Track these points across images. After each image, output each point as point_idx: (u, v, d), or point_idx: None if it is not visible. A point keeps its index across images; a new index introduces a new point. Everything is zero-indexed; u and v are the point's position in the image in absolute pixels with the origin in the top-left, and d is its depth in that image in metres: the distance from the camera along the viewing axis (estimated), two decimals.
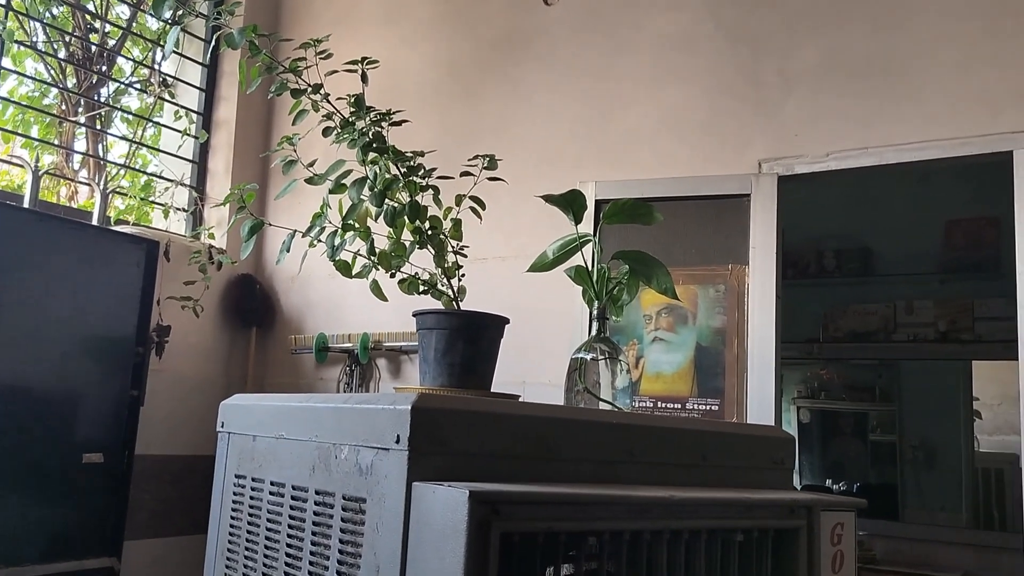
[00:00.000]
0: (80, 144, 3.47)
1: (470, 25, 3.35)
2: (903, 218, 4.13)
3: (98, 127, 3.48)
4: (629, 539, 0.96)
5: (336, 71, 1.49)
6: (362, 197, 1.37)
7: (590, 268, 1.39)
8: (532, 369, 2.74)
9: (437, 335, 1.31)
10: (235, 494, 1.29)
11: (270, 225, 1.58)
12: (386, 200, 1.38)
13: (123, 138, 3.60)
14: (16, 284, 2.47)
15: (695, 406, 2.44)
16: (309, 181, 1.47)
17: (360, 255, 1.47)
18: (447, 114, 3.29)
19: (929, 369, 4.19)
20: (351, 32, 3.61)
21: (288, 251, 1.46)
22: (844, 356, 4.37)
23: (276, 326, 3.62)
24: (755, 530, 1.09)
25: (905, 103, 2.42)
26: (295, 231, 1.48)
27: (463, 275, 1.48)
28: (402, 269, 1.46)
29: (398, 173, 1.41)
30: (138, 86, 3.68)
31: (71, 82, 3.42)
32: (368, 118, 1.42)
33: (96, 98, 3.47)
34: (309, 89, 1.47)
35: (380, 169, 1.37)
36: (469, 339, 1.32)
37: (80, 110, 3.43)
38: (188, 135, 3.67)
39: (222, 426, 1.36)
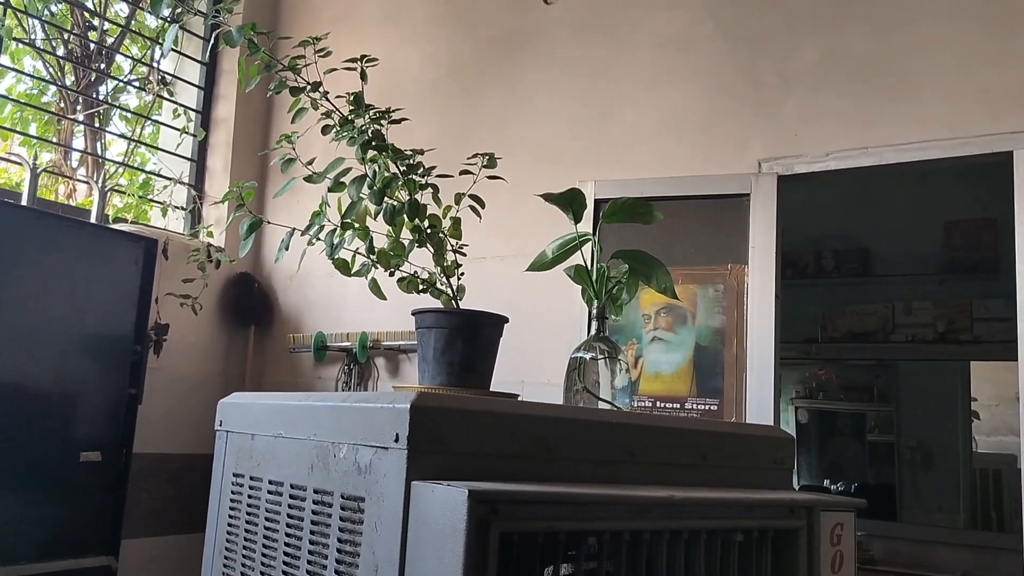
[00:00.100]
0: (78, 142, 3.46)
1: (469, 24, 3.35)
2: (902, 219, 4.13)
3: (96, 125, 3.47)
4: (629, 539, 0.96)
5: (335, 69, 1.49)
6: (361, 195, 1.37)
7: (589, 267, 1.39)
8: (531, 368, 2.74)
9: (436, 334, 1.31)
10: (233, 493, 1.29)
11: (269, 223, 1.58)
12: (385, 198, 1.38)
13: (122, 136, 3.60)
14: (14, 282, 2.47)
15: (694, 406, 2.44)
16: (308, 179, 1.46)
17: (359, 254, 1.46)
18: (446, 113, 3.29)
19: (927, 370, 4.19)
20: (350, 31, 3.61)
21: (287, 249, 1.46)
22: (842, 356, 4.37)
23: (274, 325, 3.61)
24: (755, 530, 1.08)
25: (905, 103, 2.42)
26: (294, 229, 1.48)
27: (462, 274, 1.47)
28: (401, 268, 1.46)
29: (397, 171, 1.41)
30: (137, 84, 3.68)
31: (70, 80, 3.41)
32: (367, 116, 1.42)
33: (95, 96, 3.47)
34: (308, 87, 1.46)
35: (379, 167, 1.37)
36: (468, 338, 1.32)
37: (78, 108, 3.42)
38: (187, 133, 3.67)
39: (220, 424, 1.35)
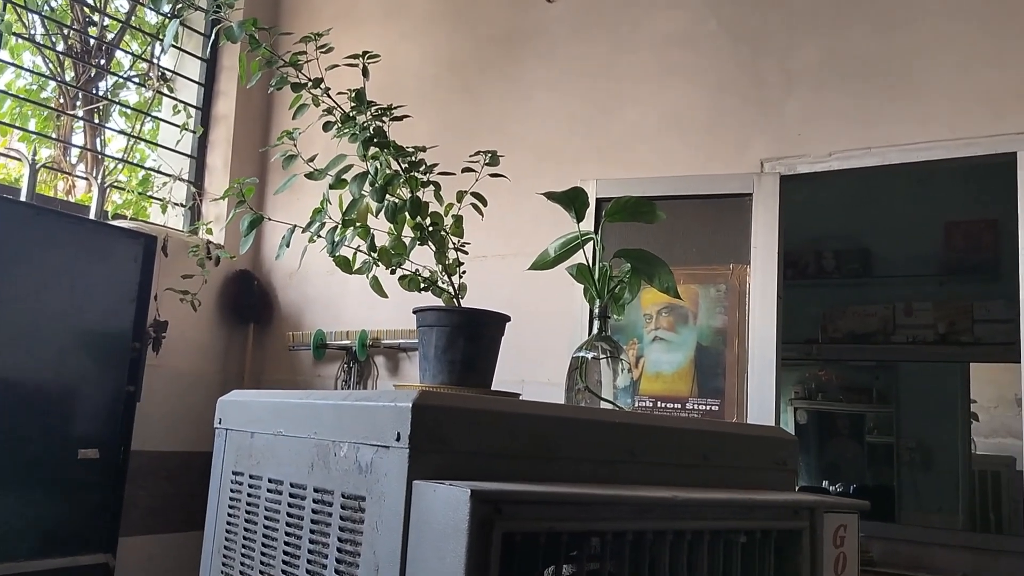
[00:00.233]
0: (78, 138, 3.45)
1: (470, 22, 3.34)
2: (902, 219, 4.13)
3: (96, 121, 3.46)
4: (632, 540, 0.95)
5: (337, 65, 1.48)
6: (363, 192, 1.36)
7: (592, 266, 1.38)
8: (531, 368, 2.73)
9: (438, 332, 1.30)
10: (232, 491, 1.28)
11: (269, 220, 1.57)
12: (387, 196, 1.37)
13: (121, 132, 3.58)
14: (13, 278, 2.46)
15: (695, 406, 2.43)
16: (309, 176, 1.45)
17: (360, 251, 1.46)
18: (447, 111, 3.28)
19: (926, 371, 4.19)
20: (350, 28, 3.60)
21: (288, 246, 1.45)
22: (843, 357, 4.36)
23: (274, 322, 3.60)
24: (758, 531, 1.08)
25: (908, 103, 2.41)
26: (295, 226, 1.47)
27: (464, 272, 1.47)
28: (402, 266, 1.45)
29: (399, 169, 1.40)
30: (136, 80, 3.67)
31: (69, 75, 3.40)
32: (369, 112, 1.41)
33: (94, 92, 3.46)
34: (310, 83, 1.46)
35: (381, 164, 1.36)
36: (470, 337, 1.31)
37: (78, 104, 3.41)
38: (186, 130, 3.66)
39: (220, 422, 1.34)
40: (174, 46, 3.62)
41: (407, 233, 1.43)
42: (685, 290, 2.50)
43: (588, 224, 1.41)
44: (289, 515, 1.11)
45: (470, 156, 1.50)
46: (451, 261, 1.43)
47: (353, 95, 1.42)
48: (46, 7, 3.40)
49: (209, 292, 3.40)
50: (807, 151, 2.52)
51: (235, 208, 1.48)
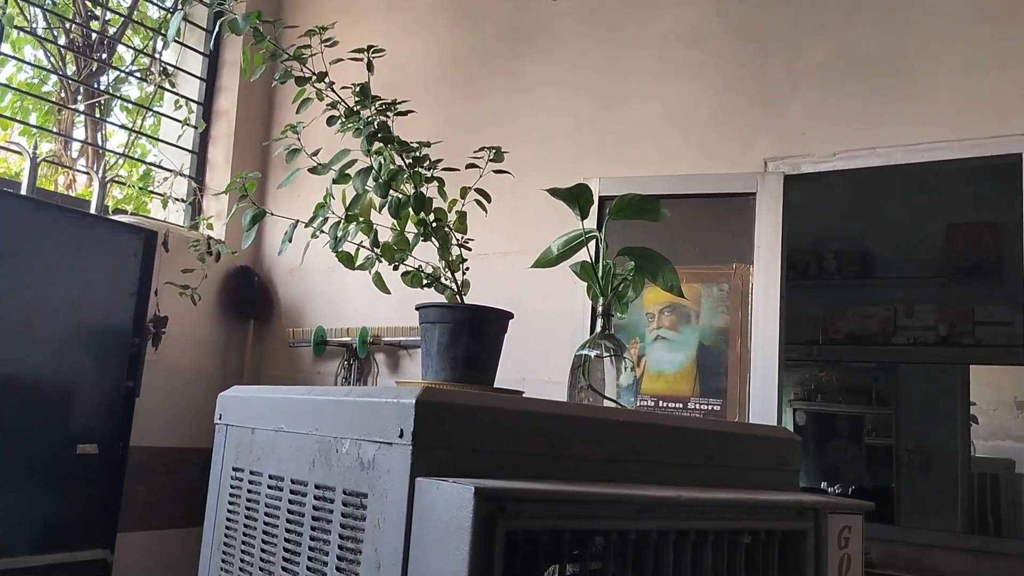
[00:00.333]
0: (79, 132, 3.44)
1: (474, 17, 3.33)
2: (904, 221, 4.12)
3: (97, 115, 3.45)
4: (635, 539, 0.94)
5: (341, 59, 1.47)
6: (366, 188, 1.35)
7: (595, 264, 1.37)
8: (532, 366, 2.72)
9: (441, 329, 1.29)
10: (232, 487, 1.27)
11: (272, 215, 1.56)
12: (391, 191, 1.36)
13: (122, 127, 3.57)
14: (12, 272, 2.45)
15: (697, 406, 2.42)
16: (313, 170, 1.45)
17: (363, 247, 1.45)
18: (449, 107, 3.27)
19: (926, 373, 4.18)
20: (353, 21, 3.59)
21: (290, 241, 1.44)
22: (843, 359, 4.36)
23: (274, 319, 3.60)
24: (762, 532, 1.07)
25: (913, 104, 2.40)
26: (297, 221, 1.46)
27: (467, 269, 1.46)
28: (405, 262, 1.44)
29: (403, 164, 1.39)
30: (138, 75, 3.65)
31: (71, 69, 3.39)
32: (373, 107, 1.40)
33: (96, 86, 3.45)
34: (314, 77, 1.45)
35: (385, 160, 1.35)
36: (473, 333, 1.30)
37: (79, 98, 3.40)
38: (188, 125, 3.65)
39: (220, 418, 1.34)
40: (176, 41, 3.61)
41: (410, 229, 1.42)
42: (688, 289, 2.48)
43: (591, 223, 1.41)
44: (290, 512, 1.10)
45: (474, 152, 1.49)
46: (454, 257, 1.42)
47: (357, 89, 1.41)
48: (48, 1, 3.39)
49: (209, 288, 3.40)
50: (811, 151, 2.51)
51: (237, 203, 1.48)
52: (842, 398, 4.47)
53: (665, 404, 2.48)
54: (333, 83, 1.45)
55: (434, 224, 1.40)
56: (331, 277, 3.37)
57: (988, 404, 4.07)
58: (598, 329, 1.37)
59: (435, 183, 1.43)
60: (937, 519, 4.04)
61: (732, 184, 2.54)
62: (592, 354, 1.33)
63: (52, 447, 2.53)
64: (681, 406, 2.45)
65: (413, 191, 1.38)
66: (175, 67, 3.68)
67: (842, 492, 4.16)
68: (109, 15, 3.48)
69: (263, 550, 1.16)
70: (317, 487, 1.05)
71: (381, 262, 1.44)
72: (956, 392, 4.05)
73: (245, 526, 1.21)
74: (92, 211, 3.10)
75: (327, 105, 1.44)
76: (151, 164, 3.62)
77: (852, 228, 4.28)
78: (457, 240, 1.44)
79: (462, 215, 1.46)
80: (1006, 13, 2.33)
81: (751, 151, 2.61)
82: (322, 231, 1.41)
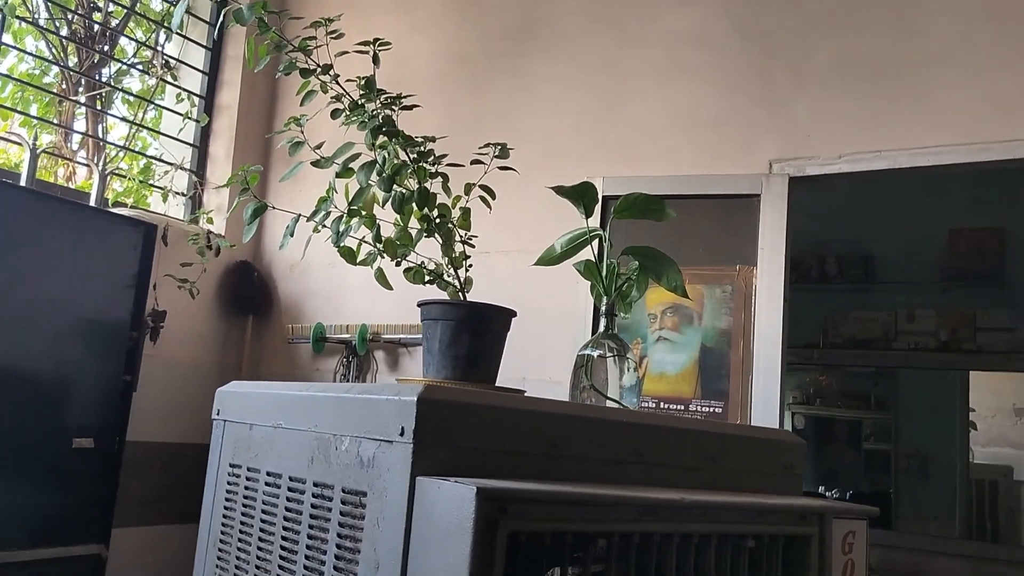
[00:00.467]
0: (80, 124, 3.42)
1: (479, 14, 3.32)
2: (906, 225, 4.12)
3: (98, 107, 3.43)
4: (638, 542, 0.93)
5: (347, 52, 1.46)
6: (370, 182, 1.33)
7: (599, 263, 1.36)
8: (533, 365, 2.71)
9: (443, 326, 1.28)
10: (229, 484, 1.25)
11: (274, 208, 1.54)
12: (394, 186, 1.35)
13: (123, 119, 3.56)
14: (10, 263, 2.43)
15: (698, 408, 2.41)
16: (316, 164, 1.43)
17: (365, 242, 1.43)
18: (454, 103, 3.26)
19: (926, 378, 4.17)
20: (358, 17, 3.57)
21: (292, 236, 1.43)
22: (844, 363, 4.35)
23: (273, 314, 3.58)
24: (766, 536, 1.06)
25: (919, 107, 2.39)
26: (299, 215, 1.45)
27: (470, 266, 1.44)
28: (408, 258, 1.42)
29: (407, 159, 1.37)
30: (140, 68, 3.64)
31: (72, 61, 3.37)
32: (378, 101, 1.38)
33: (97, 78, 3.43)
34: (318, 69, 1.43)
35: (389, 154, 1.34)
36: (475, 331, 1.29)
37: (81, 89, 3.38)
38: (189, 119, 3.63)
39: (218, 413, 1.32)
40: (179, 34, 3.59)
41: (413, 224, 1.41)
42: (690, 290, 2.47)
43: (593, 221, 1.39)
44: (288, 509, 1.09)
45: (480, 148, 1.47)
46: (457, 254, 1.41)
47: (363, 83, 1.40)
48: None
49: (209, 283, 3.38)
50: (816, 153, 2.49)
51: (239, 196, 1.46)
52: (841, 402, 4.46)
53: (666, 405, 2.46)
54: (338, 76, 1.44)
55: (438, 220, 1.38)
56: (331, 273, 3.36)
57: (987, 410, 4.07)
58: (601, 329, 1.36)
59: (439, 179, 1.42)
60: (935, 525, 4.03)
61: (736, 185, 2.52)
62: (595, 354, 1.32)
63: (48, 441, 2.51)
64: (682, 407, 2.43)
65: (417, 186, 1.37)
66: (177, 60, 3.66)
67: (840, 496, 4.16)
68: (112, 7, 3.47)
69: (260, 548, 1.14)
70: (316, 485, 1.04)
71: (383, 258, 1.43)
72: (956, 398, 4.05)
73: (242, 523, 1.20)
74: (92, 203, 3.08)
75: (331, 98, 1.43)
76: (152, 157, 3.60)
77: (854, 232, 4.27)
78: (460, 237, 1.43)
79: (466, 211, 1.44)
80: (1013, 16, 2.31)
81: (755, 152, 2.60)
82: (324, 226, 1.40)
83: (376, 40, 1.46)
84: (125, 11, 3.51)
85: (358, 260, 1.43)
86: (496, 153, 1.44)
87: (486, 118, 3.17)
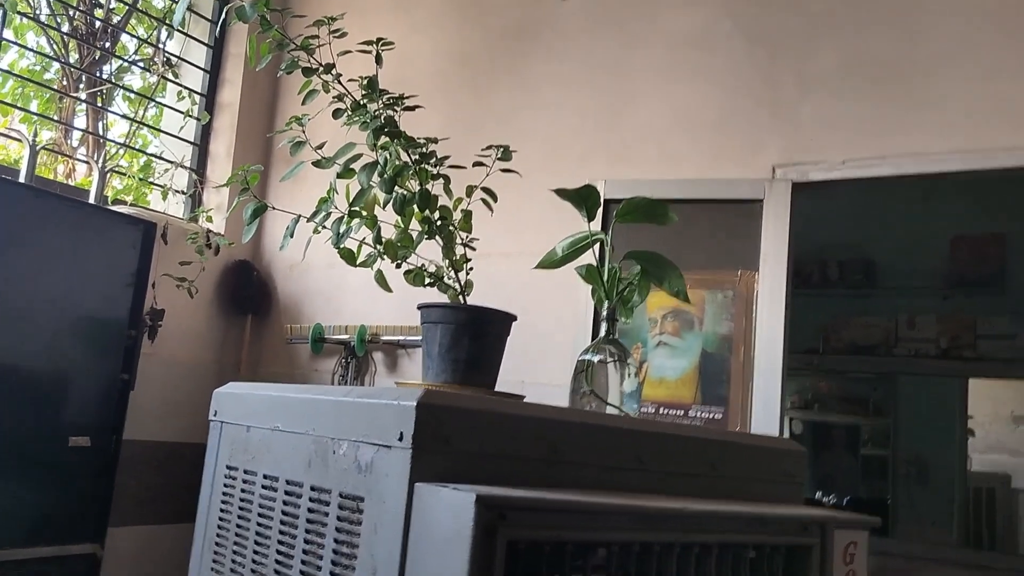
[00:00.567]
0: (80, 121, 3.41)
1: (481, 15, 3.31)
2: (908, 232, 4.11)
3: (99, 104, 3.42)
4: (638, 551, 0.92)
5: (349, 51, 1.44)
6: (371, 183, 1.32)
7: (600, 267, 1.35)
8: (532, 369, 2.69)
9: (443, 329, 1.26)
10: (226, 485, 1.24)
11: (274, 208, 1.53)
12: (396, 187, 1.34)
13: (124, 117, 3.55)
14: (8, 261, 2.42)
15: (698, 414, 2.40)
16: (317, 164, 1.42)
17: (366, 243, 1.42)
18: (455, 105, 3.25)
19: (925, 385, 4.17)
20: (360, 17, 3.55)
21: (292, 236, 1.41)
22: (844, 369, 4.34)
23: (272, 314, 3.57)
24: (767, 546, 1.05)
25: (925, 112, 2.37)
26: (299, 216, 1.43)
27: (471, 269, 1.43)
28: (408, 260, 1.41)
29: (409, 160, 1.36)
30: (141, 65, 3.63)
31: (73, 57, 3.36)
32: (381, 101, 1.37)
33: (98, 75, 3.42)
34: (321, 68, 1.42)
35: (391, 155, 1.33)
36: (475, 335, 1.27)
37: (81, 86, 3.37)
38: (190, 117, 3.62)
39: (215, 415, 1.31)
40: (180, 31, 3.58)
41: (414, 226, 1.40)
42: (691, 295, 2.45)
43: (595, 225, 1.38)
44: (284, 513, 1.08)
45: (482, 150, 1.46)
46: (458, 257, 1.40)
47: (365, 83, 1.39)
48: None
49: (207, 282, 3.37)
50: (820, 158, 2.48)
51: (239, 195, 1.45)
52: (839, 408, 4.45)
53: (666, 411, 2.45)
54: (340, 75, 1.43)
55: (439, 222, 1.37)
56: (331, 274, 3.34)
57: (985, 417, 4.06)
58: (602, 333, 1.34)
59: (441, 180, 1.41)
60: (932, 532, 4.02)
61: (739, 190, 2.51)
62: (596, 359, 1.31)
63: (44, 438, 2.50)
64: (682, 413, 2.42)
65: (419, 188, 1.36)
66: (179, 58, 3.65)
67: (837, 502, 4.15)
68: (113, 3, 3.46)
69: (255, 551, 1.13)
70: (313, 489, 1.03)
71: (383, 259, 1.42)
72: (955, 405, 4.04)
73: (238, 526, 1.19)
74: (91, 201, 3.07)
75: (333, 98, 1.42)
76: (152, 155, 3.59)
77: (856, 238, 4.26)
78: (462, 239, 1.42)
79: (467, 214, 1.43)
80: (1020, 21, 2.30)
81: (759, 156, 2.58)
82: (324, 226, 1.39)
83: (379, 40, 1.45)
84: (127, 8, 3.49)
85: (358, 262, 1.42)
86: (498, 155, 1.43)
87: (487, 118, 3.16)
